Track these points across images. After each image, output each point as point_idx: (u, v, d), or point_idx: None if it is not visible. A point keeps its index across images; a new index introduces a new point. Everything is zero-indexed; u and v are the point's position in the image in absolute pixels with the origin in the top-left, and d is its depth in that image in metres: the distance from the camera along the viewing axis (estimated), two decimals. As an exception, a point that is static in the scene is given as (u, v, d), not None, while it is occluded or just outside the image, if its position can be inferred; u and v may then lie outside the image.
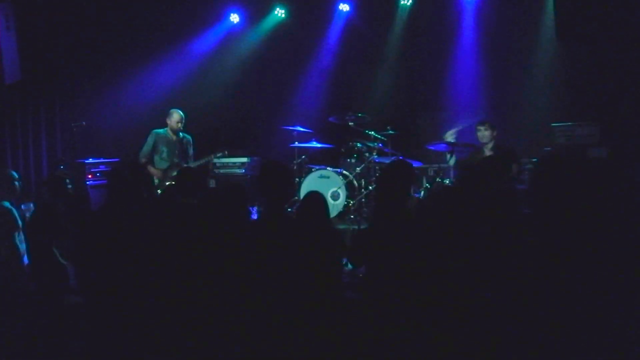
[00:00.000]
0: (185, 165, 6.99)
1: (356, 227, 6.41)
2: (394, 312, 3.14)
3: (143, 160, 6.96)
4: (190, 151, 7.27)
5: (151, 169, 6.92)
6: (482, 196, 3.60)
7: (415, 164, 7.23)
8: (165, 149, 7.03)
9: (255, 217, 6.45)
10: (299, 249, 3.36)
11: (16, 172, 5.03)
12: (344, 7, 8.57)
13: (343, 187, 7.10)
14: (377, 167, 7.21)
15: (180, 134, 7.16)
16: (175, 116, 7.08)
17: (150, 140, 7.04)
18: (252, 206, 6.68)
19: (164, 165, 6.99)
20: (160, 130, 7.12)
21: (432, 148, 6.90)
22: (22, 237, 4.64)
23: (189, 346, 3.40)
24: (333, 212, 6.97)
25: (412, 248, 3.18)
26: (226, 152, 7.54)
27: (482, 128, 6.36)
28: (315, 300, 3.30)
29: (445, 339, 3.08)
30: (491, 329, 3.17)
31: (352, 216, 7.06)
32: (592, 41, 6.95)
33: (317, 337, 3.23)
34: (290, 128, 7.68)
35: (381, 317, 3.18)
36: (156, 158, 7.03)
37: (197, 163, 7.22)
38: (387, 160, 7.00)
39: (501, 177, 3.97)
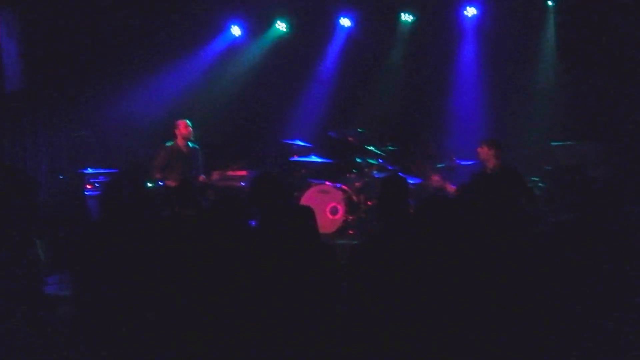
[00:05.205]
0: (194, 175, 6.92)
1: (356, 242, 6.36)
2: (391, 326, 3.10)
3: (158, 175, 6.76)
4: (199, 160, 7.13)
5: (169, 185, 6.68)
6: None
7: (415, 181, 7.20)
8: (178, 163, 6.87)
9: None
10: (287, 261, 3.33)
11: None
12: (345, 22, 8.59)
13: (342, 202, 7.07)
14: (377, 183, 7.18)
15: (190, 144, 7.05)
16: (183, 124, 6.95)
17: (163, 154, 6.87)
18: (252, 220, 6.63)
19: (178, 178, 6.77)
20: (170, 143, 6.97)
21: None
22: None
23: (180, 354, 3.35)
24: (332, 228, 6.94)
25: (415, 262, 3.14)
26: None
27: (481, 147, 5.87)
28: (306, 316, 3.26)
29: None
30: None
31: (351, 232, 7.02)
32: (594, 59, 6.97)
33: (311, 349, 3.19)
34: (290, 142, 7.67)
35: (377, 332, 3.14)
36: (170, 172, 6.83)
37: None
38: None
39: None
